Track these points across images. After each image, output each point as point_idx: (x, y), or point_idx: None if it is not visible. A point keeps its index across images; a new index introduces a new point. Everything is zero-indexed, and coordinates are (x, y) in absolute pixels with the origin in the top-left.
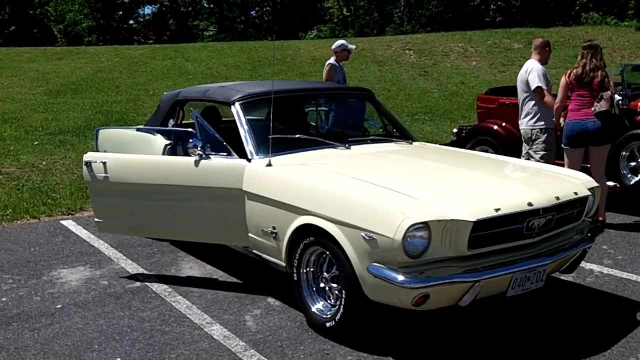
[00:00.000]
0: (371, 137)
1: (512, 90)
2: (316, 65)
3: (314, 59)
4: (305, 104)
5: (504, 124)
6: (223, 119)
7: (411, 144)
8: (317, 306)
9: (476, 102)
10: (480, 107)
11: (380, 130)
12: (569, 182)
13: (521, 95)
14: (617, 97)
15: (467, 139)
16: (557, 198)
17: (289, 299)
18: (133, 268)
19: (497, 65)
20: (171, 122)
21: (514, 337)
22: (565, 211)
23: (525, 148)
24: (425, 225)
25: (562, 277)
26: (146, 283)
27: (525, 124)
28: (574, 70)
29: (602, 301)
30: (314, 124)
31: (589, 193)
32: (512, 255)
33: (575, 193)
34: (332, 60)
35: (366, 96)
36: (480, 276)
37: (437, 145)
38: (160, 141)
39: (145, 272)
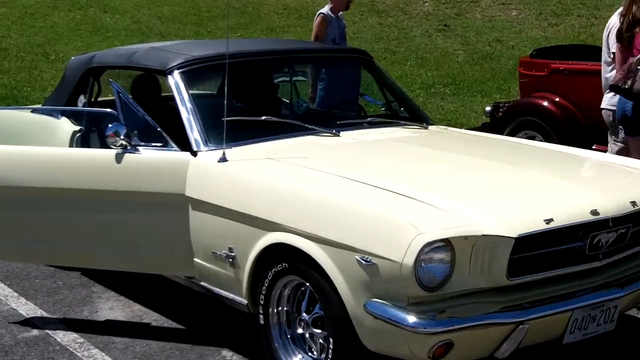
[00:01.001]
0: (369, 119)
1: (568, 51)
2: (290, 17)
3: (287, 8)
4: (274, 72)
5: (557, 99)
6: (164, 95)
7: (426, 128)
8: None
9: (518, 69)
10: (523, 75)
11: (382, 109)
12: None
13: (606, 62)
14: None
15: (505, 121)
16: (634, 204)
17: (252, 352)
18: (28, 309)
19: (548, 15)
20: (82, 99)
21: None
22: None
23: (609, 137)
24: (447, 243)
25: None
26: (47, 331)
27: (607, 102)
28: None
29: None
30: (287, 100)
31: None
32: (571, 286)
33: None
34: (325, 9)
35: (362, 61)
36: (526, 315)
37: (462, 131)
38: (67, 127)
39: (46, 315)
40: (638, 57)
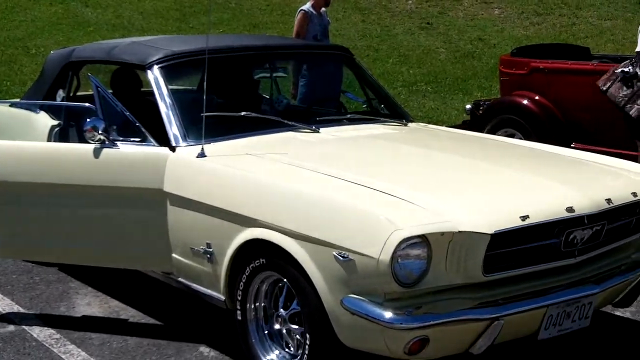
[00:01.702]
0: (349, 116)
1: (549, 50)
2: (273, 13)
3: (270, 4)
4: (255, 68)
5: (537, 97)
6: (143, 90)
7: (406, 125)
8: (271, 357)
9: (499, 67)
10: (504, 73)
11: (363, 106)
12: (626, 179)
13: None
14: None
15: (485, 119)
16: (609, 201)
17: (230, 348)
18: (4, 305)
19: (530, 14)
20: (61, 93)
21: None
22: (620, 219)
23: None
24: (423, 239)
25: (617, 313)
26: (24, 327)
27: None
28: None
29: None
30: (267, 96)
31: None
32: (546, 282)
33: (634, 194)
34: (306, 5)
35: (343, 58)
36: (501, 312)
37: (442, 128)
38: (45, 121)
39: (23, 310)
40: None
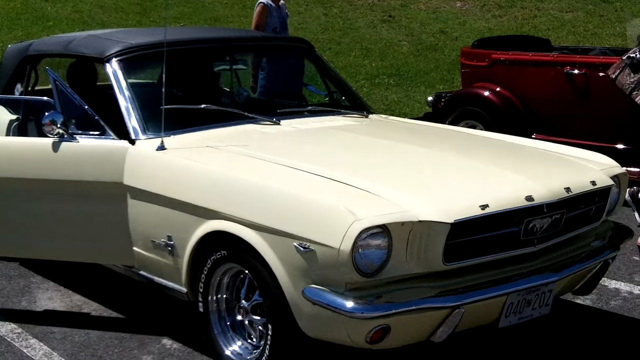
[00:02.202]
0: (309, 108)
1: (510, 42)
2: (234, 7)
3: None
4: (215, 60)
5: (498, 89)
6: (99, 84)
7: (367, 117)
8: (233, 348)
9: (460, 59)
10: (465, 65)
11: (325, 99)
12: (585, 168)
13: None
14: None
15: (447, 111)
16: (568, 190)
17: (193, 340)
18: None
19: (492, 7)
20: (19, 87)
21: None
22: (580, 208)
23: None
24: (384, 229)
25: (577, 300)
26: None
27: None
28: None
29: (632, 332)
30: (227, 89)
31: (612, 183)
32: (506, 271)
33: (593, 183)
34: None
35: (304, 51)
36: (461, 300)
37: (403, 120)
38: (3, 115)
39: None
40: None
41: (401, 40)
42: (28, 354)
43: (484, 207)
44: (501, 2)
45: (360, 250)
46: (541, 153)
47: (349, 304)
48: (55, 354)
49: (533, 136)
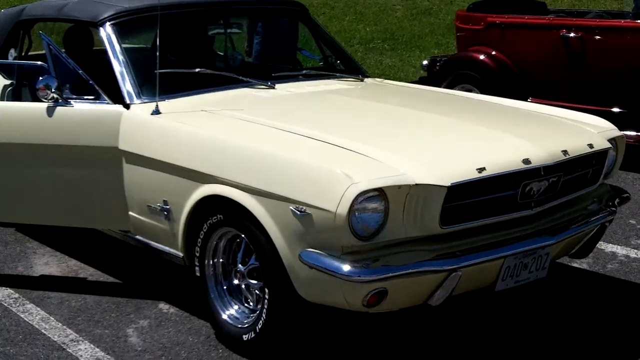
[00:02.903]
0: (304, 72)
1: (505, 5)
2: None
3: None
4: (208, 24)
5: (493, 52)
6: (96, 49)
7: (362, 81)
8: (230, 312)
9: (455, 23)
10: (460, 29)
11: (320, 63)
12: (582, 131)
13: None
14: None
15: (442, 75)
16: (565, 153)
17: (189, 304)
18: None
19: None
20: (12, 52)
21: (507, 348)
22: (577, 171)
23: None
24: (380, 192)
25: (573, 264)
26: None
27: None
28: None
29: (628, 295)
30: (221, 53)
31: (609, 145)
32: (503, 234)
33: (590, 145)
34: None
35: (298, 14)
36: (458, 263)
37: (398, 83)
38: None
39: None
40: None
41: (395, 5)
42: (25, 318)
43: (480, 170)
44: None
45: (356, 213)
46: (538, 116)
47: (346, 267)
48: (52, 318)
49: (529, 100)
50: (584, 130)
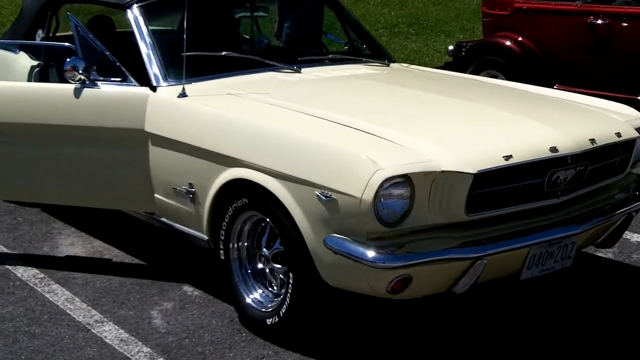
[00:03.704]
0: (330, 56)
1: None
2: None
3: None
4: (235, 7)
5: (520, 38)
6: (118, 31)
7: (388, 65)
8: (254, 296)
9: (481, 8)
10: (486, 14)
11: (345, 47)
12: (610, 119)
13: None
14: None
15: (468, 60)
16: (592, 141)
17: (213, 287)
18: None
19: None
20: (40, 33)
21: (530, 336)
22: (604, 160)
23: None
24: (406, 179)
25: (599, 253)
26: (7, 266)
27: None
28: None
29: None
30: (247, 37)
31: (637, 134)
32: (528, 222)
33: (618, 134)
34: None
35: None
36: (483, 251)
37: (425, 69)
38: (25, 61)
39: (6, 250)
40: None
41: None
42: (50, 299)
43: (507, 157)
44: None
45: (382, 199)
46: (565, 103)
47: (371, 253)
48: (77, 299)
49: (555, 87)
50: (611, 119)
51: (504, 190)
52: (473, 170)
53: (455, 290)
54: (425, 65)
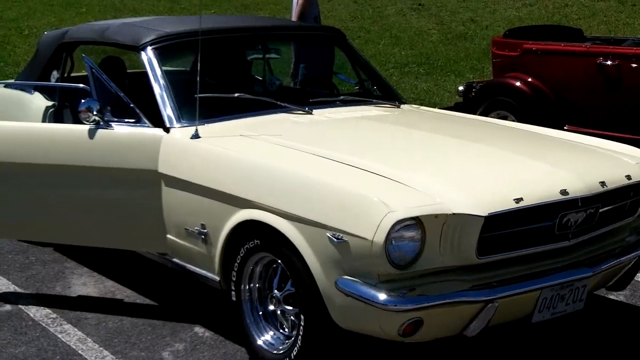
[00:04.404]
0: (341, 98)
1: (541, 32)
2: None
3: None
4: (247, 49)
5: (530, 79)
6: (130, 71)
7: (398, 107)
8: (266, 337)
9: (491, 49)
10: (496, 55)
11: (356, 88)
12: (620, 162)
13: None
14: None
15: (478, 101)
16: (603, 184)
17: (224, 328)
18: (1, 285)
19: None
20: (55, 74)
21: None
22: (615, 202)
23: None
24: (417, 221)
25: (611, 296)
26: (20, 306)
27: None
28: None
29: None
30: (260, 78)
31: None
32: (540, 265)
33: (628, 177)
34: None
35: (335, 39)
36: (495, 294)
37: (435, 110)
38: (39, 102)
39: (19, 290)
40: None
41: (431, 29)
42: (63, 339)
43: (518, 200)
44: None
45: (393, 242)
46: (575, 145)
47: (382, 296)
48: (90, 339)
49: (565, 127)
50: (621, 161)
51: (515, 232)
52: (484, 212)
53: (466, 333)
54: (435, 105)
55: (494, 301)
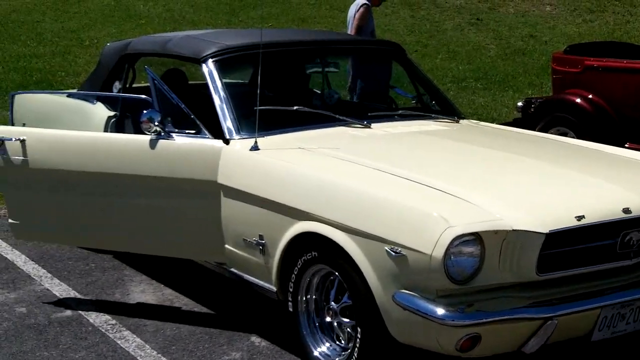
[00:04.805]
0: (400, 112)
1: (602, 48)
2: (321, 8)
3: None
4: (307, 62)
5: (590, 96)
6: (190, 83)
7: (457, 122)
8: (322, 349)
9: (551, 65)
10: (556, 71)
11: (413, 102)
12: None
13: None
14: None
15: (537, 117)
16: None
17: (281, 339)
18: (62, 290)
19: (583, 11)
20: (117, 85)
21: None
22: None
23: None
24: (477, 237)
25: None
26: (80, 312)
27: None
28: None
29: None
30: (319, 91)
31: None
32: (601, 284)
33: None
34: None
35: (393, 54)
36: (554, 311)
37: (494, 125)
38: (101, 112)
39: (79, 296)
40: None
41: (489, 44)
42: (122, 345)
43: (580, 218)
44: (592, 7)
45: (452, 257)
46: (637, 163)
47: (440, 310)
48: (148, 346)
49: (626, 145)
50: None
51: (576, 250)
52: (545, 230)
53: (525, 350)
54: (493, 120)
55: (553, 319)
